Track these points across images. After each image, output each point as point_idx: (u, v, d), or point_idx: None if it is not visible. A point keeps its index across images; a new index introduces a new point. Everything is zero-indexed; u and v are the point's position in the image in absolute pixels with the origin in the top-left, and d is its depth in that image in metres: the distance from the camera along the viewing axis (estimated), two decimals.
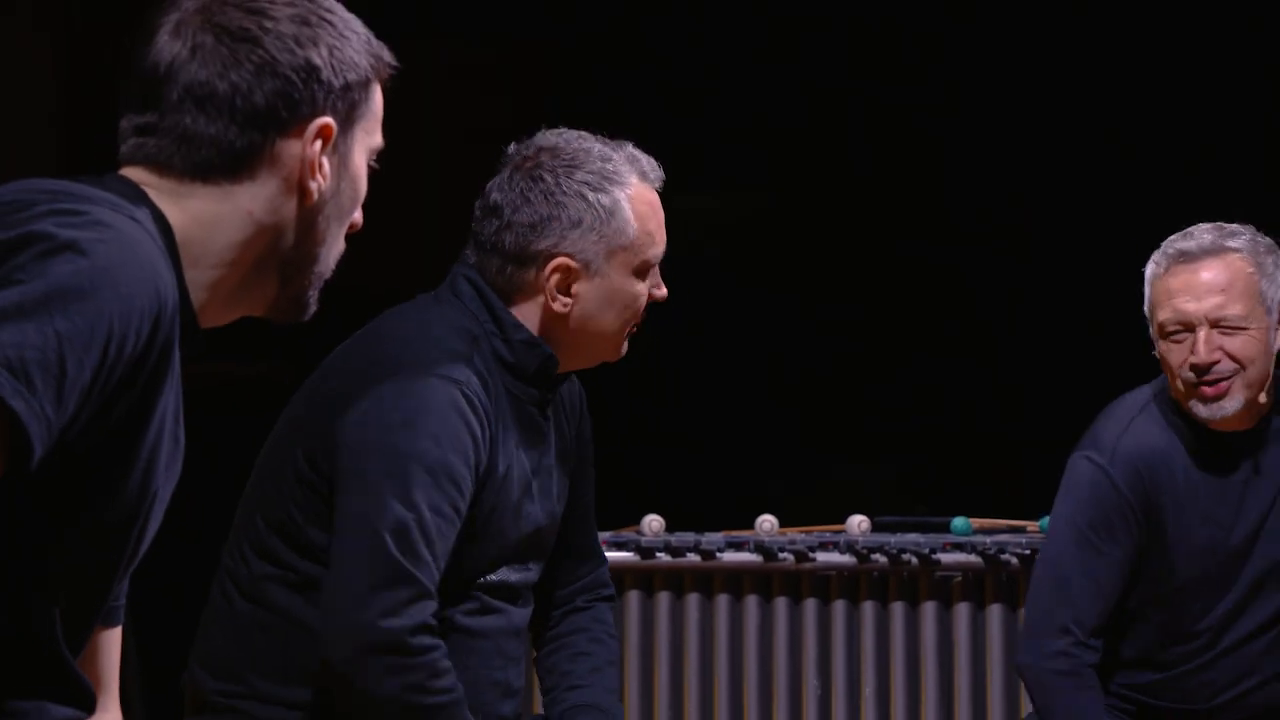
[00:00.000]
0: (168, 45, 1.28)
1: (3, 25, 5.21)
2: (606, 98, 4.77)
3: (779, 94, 5.64)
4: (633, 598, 3.07)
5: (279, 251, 1.35)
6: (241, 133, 1.29)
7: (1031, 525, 3.03)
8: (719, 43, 5.53)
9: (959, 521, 3.02)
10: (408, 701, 1.96)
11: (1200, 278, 2.46)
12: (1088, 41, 5.36)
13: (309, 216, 1.35)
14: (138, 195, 1.27)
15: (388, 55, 1.39)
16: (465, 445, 1.80)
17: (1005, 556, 2.96)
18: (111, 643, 1.77)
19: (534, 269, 1.81)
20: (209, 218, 1.30)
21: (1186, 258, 2.47)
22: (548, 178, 1.84)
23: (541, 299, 1.83)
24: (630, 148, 1.90)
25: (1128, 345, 2.87)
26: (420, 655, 1.95)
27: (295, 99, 1.30)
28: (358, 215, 1.42)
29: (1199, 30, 5.09)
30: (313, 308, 1.41)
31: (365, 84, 1.36)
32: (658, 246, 1.90)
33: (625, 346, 2.09)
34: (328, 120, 1.31)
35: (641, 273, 1.89)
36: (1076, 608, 2.47)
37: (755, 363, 5.41)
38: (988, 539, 3.00)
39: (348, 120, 1.35)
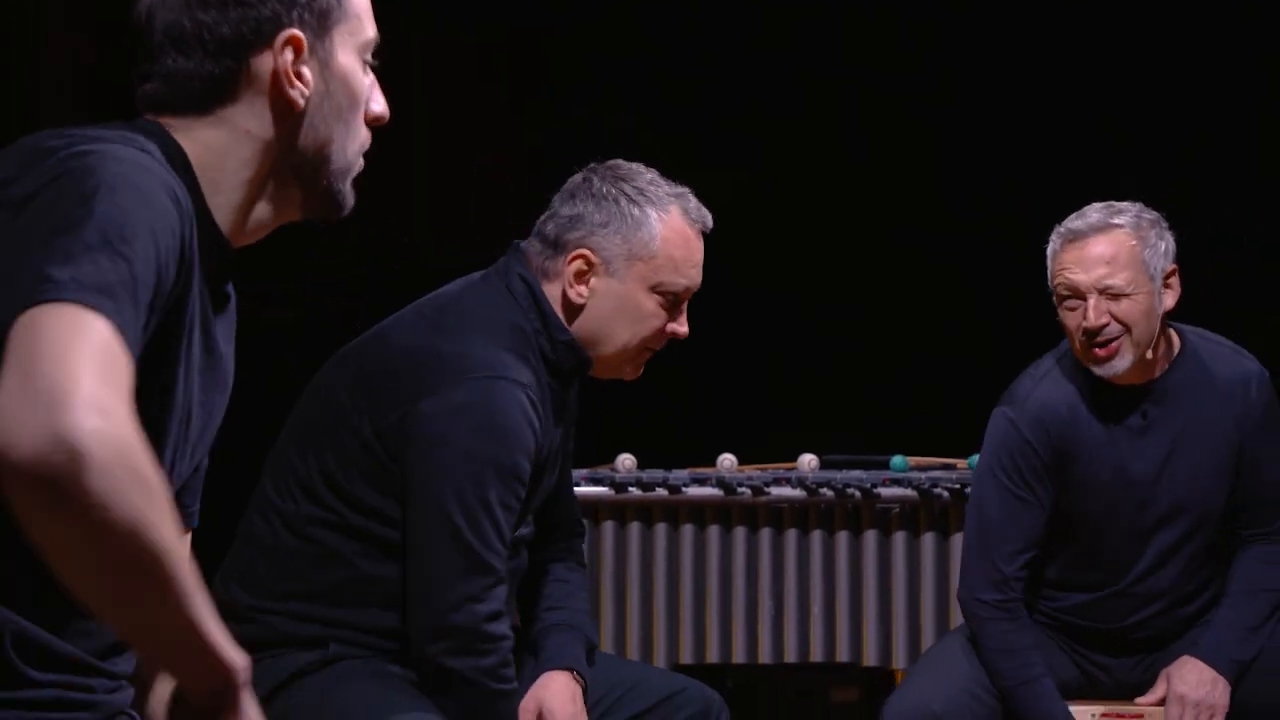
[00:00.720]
0: None
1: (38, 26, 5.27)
2: (602, 86, 4.66)
3: (775, 82, 5.57)
4: (607, 528, 3.20)
5: (289, 159, 1.39)
6: (216, 62, 1.32)
7: (960, 463, 3.15)
8: (715, 31, 5.41)
9: (897, 460, 3.16)
10: (481, 685, 2.06)
11: (1088, 252, 2.55)
12: (1084, 29, 5.30)
13: (303, 121, 1.38)
14: (149, 130, 1.32)
15: None
16: (529, 444, 1.87)
17: (938, 490, 3.10)
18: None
19: (562, 256, 1.88)
20: (216, 145, 1.35)
21: (1077, 234, 2.58)
22: (597, 183, 1.90)
23: (562, 285, 1.89)
24: (688, 191, 1.97)
25: None
26: (497, 641, 2.05)
27: (257, 19, 1.33)
28: (377, 106, 1.44)
29: (1196, 18, 5.01)
30: (348, 200, 1.44)
31: None
32: (681, 277, 1.94)
33: (634, 372, 2.16)
34: (293, 31, 1.33)
35: (659, 292, 1.93)
36: (999, 548, 2.57)
37: (727, 322, 5.90)
38: (922, 475, 3.14)
39: (321, 26, 1.36)
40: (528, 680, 2.29)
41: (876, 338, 5.30)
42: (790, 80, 5.47)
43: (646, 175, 1.93)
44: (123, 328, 1.10)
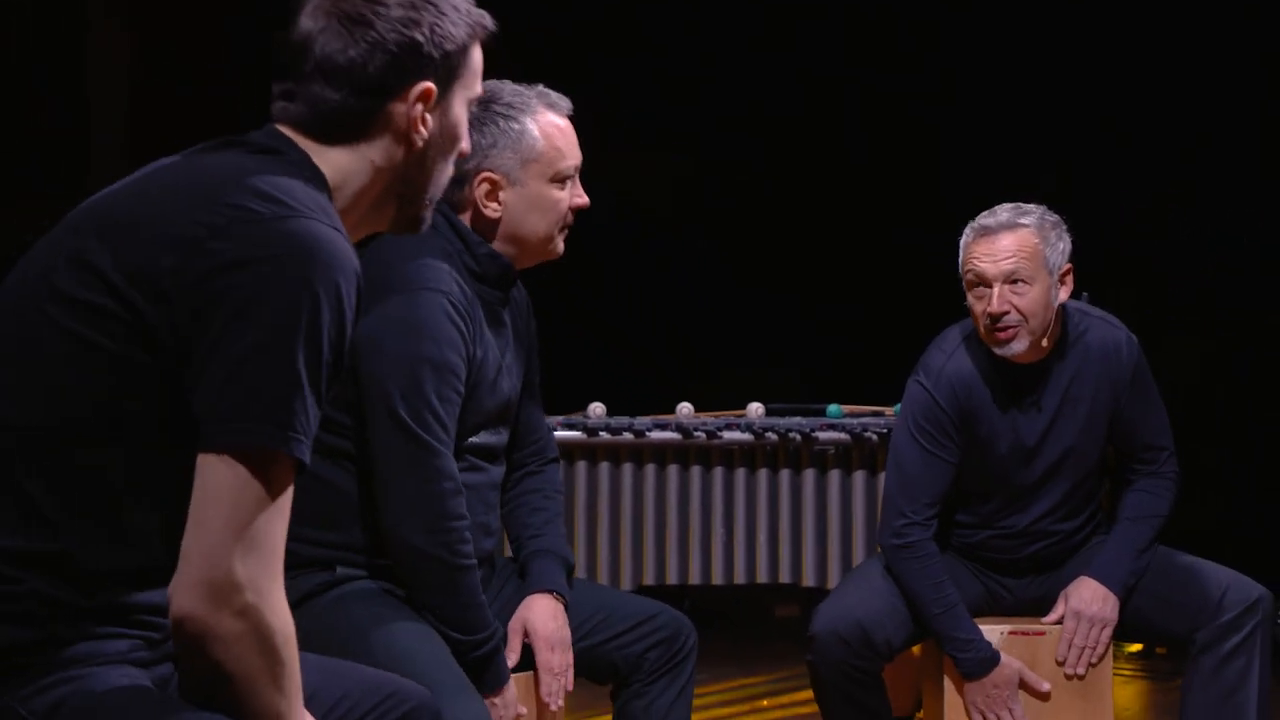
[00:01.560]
0: (304, 25, 1.38)
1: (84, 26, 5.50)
2: (603, 85, 4.54)
3: (775, 82, 5.51)
4: (580, 467, 3.33)
5: (395, 187, 1.46)
6: (359, 100, 1.39)
7: (888, 410, 3.30)
8: (714, 31, 5.29)
9: (833, 408, 3.33)
10: (442, 559, 2.11)
11: (997, 245, 2.63)
12: (1084, 28, 5.28)
13: (416, 160, 1.44)
14: (300, 166, 1.37)
15: (487, 21, 1.48)
16: (457, 343, 1.91)
17: (868, 434, 3.27)
18: None
19: (468, 185, 1.92)
20: (344, 168, 1.41)
21: (987, 230, 2.65)
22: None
23: (475, 208, 1.95)
24: (540, 87, 2.00)
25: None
26: (452, 519, 2.11)
27: (401, 70, 1.39)
28: (465, 145, 1.52)
29: (1199, 18, 4.95)
30: (427, 223, 1.54)
31: (463, 50, 1.44)
32: (568, 160, 1.99)
33: (560, 246, 2.16)
34: (429, 84, 1.40)
35: (556, 180, 1.97)
36: (914, 498, 2.69)
37: (685, 285, 5.58)
38: (855, 421, 3.32)
39: (447, 81, 1.43)
40: (514, 602, 2.35)
41: (810, 304, 5.52)
42: (790, 81, 5.43)
43: (506, 88, 1.96)
44: (299, 458, 1.26)
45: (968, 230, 2.68)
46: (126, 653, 1.35)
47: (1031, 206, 2.67)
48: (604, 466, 3.36)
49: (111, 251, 1.29)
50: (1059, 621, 2.68)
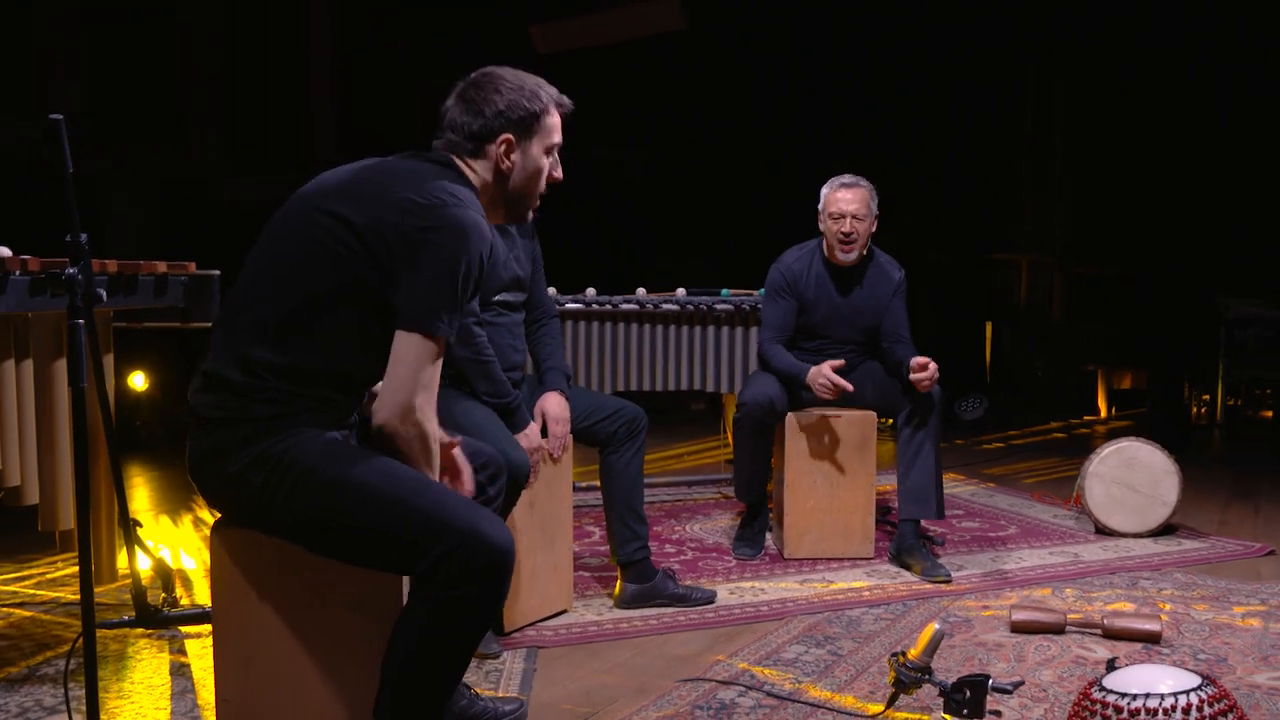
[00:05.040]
0: (449, 102, 1.61)
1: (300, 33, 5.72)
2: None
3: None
4: (580, 326, 3.81)
5: (499, 196, 1.63)
6: (468, 142, 1.61)
7: (755, 292, 3.81)
8: None
9: (724, 291, 3.88)
10: (477, 357, 2.29)
11: (851, 193, 3.02)
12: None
13: (507, 180, 1.62)
14: (459, 175, 1.54)
15: (565, 101, 1.66)
16: (488, 240, 1.56)
17: (744, 306, 3.81)
18: None
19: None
20: (473, 178, 1.59)
21: (845, 185, 3.03)
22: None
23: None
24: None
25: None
26: (477, 339, 2.30)
27: (488, 129, 1.60)
28: (557, 173, 1.67)
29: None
30: (526, 220, 1.69)
31: (538, 115, 1.62)
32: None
33: (530, 214, 1.92)
34: (508, 135, 1.60)
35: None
36: (773, 325, 3.09)
37: (644, 218, 6.36)
38: (737, 298, 3.84)
39: (526, 134, 1.62)
40: (534, 398, 2.51)
41: (713, 232, 6.32)
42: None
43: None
44: (450, 340, 1.41)
45: (831, 183, 3.06)
46: (328, 422, 1.51)
47: (861, 178, 3.07)
48: (595, 325, 3.83)
49: (352, 208, 1.47)
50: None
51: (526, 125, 1.61)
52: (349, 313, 1.46)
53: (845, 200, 2.97)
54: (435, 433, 1.47)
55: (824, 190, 3.02)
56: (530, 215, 1.71)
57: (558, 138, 1.65)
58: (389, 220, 1.45)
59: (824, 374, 2.95)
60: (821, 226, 3.02)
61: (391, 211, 1.46)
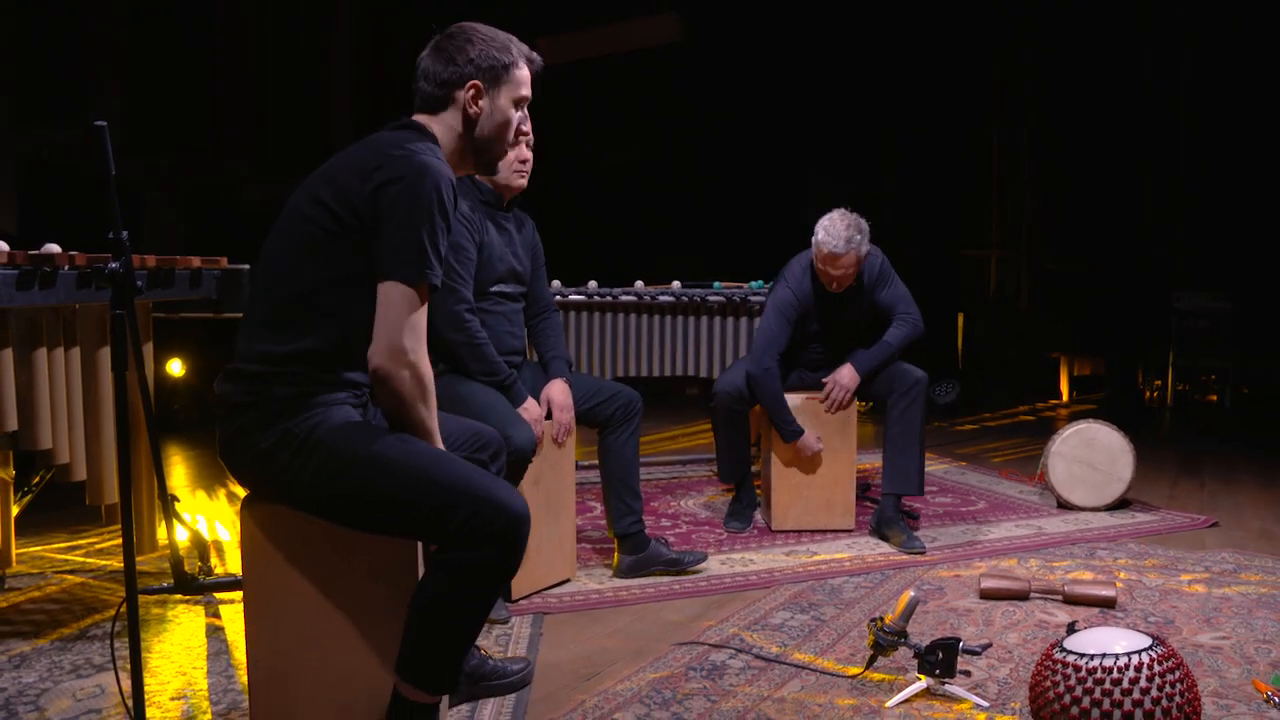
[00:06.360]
0: (423, 55, 1.55)
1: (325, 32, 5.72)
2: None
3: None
4: (582, 316, 3.78)
5: (468, 145, 1.57)
6: (438, 89, 1.55)
7: (745, 285, 3.81)
8: None
9: (716, 284, 3.84)
10: (469, 342, 2.24)
11: (840, 261, 2.88)
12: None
13: (475, 128, 1.56)
14: (422, 131, 1.48)
15: (535, 57, 1.60)
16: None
17: (734, 298, 3.75)
18: None
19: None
20: (440, 130, 1.54)
21: (835, 251, 2.85)
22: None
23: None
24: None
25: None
26: (467, 321, 2.24)
27: (459, 75, 1.54)
28: (525, 127, 1.62)
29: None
30: (497, 172, 1.71)
31: (507, 66, 1.56)
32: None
33: (515, 178, 2.09)
34: (475, 82, 1.53)
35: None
36: (776, 344, 2.94)
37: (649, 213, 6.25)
38: (728, 290, 3.78)
39: (493, 83, 1.56)
40: (540, 383, 2.48)
41: (707, 228, 6.18)
42: None
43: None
44: (434, 283, 1.35)
45: (826, 237, 2.86)
46: (345, 400, 1.49)
47: (856, 224, 2.85)
48: (596, 316, 3.81)
49: (325, 189, 1.47)
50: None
51: (495, 75, 1.57)
52: (347, 292, 1.45)
53: (833, 263, 2.87)
54: (429, 375, 1.44)
55: (818, 233, 2.86)
56: (498, 169, 1.68)
57: (526, 91, 1.60)
58: (354, 187, 1.43)
59: (811, 449, 2.98)
60: (812, 254, 2.91)
61: (354, 179, 1.43)
